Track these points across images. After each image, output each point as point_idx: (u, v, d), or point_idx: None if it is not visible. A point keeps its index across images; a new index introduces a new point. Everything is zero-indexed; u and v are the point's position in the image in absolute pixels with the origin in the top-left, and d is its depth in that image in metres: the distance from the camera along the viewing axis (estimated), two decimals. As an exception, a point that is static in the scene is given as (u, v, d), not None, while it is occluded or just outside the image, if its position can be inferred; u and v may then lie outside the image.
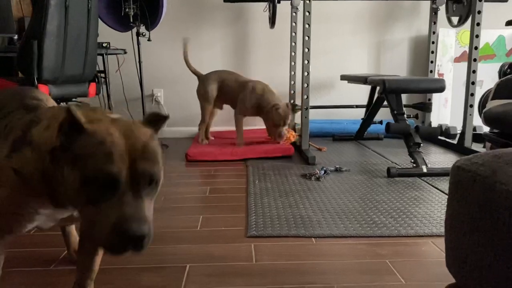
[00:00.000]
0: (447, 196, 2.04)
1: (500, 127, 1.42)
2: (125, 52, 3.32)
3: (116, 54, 3.32)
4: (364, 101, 3.65)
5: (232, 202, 1.99)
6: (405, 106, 3.40)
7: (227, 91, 3.17)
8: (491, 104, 1.63)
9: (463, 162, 0.60)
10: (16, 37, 2.93)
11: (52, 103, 1.09)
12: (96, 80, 2.57)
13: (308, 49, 2.80)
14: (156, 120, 0.79)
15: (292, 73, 3.62)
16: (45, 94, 1.11)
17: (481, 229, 0.52)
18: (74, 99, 2.52)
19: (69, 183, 0.71)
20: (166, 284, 1.23)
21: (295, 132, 3.34)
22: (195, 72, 3.32)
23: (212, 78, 3.21)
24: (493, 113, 1.41)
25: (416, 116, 3.53)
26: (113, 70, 3.60)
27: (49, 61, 2.11)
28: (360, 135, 3.50)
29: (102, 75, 3.13)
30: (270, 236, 1.58)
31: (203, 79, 3.25)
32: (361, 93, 3.82)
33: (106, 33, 3.46)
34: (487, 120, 1.50)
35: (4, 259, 0.91)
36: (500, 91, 1.66)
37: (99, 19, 3.03)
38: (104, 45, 3.14)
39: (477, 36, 2.84)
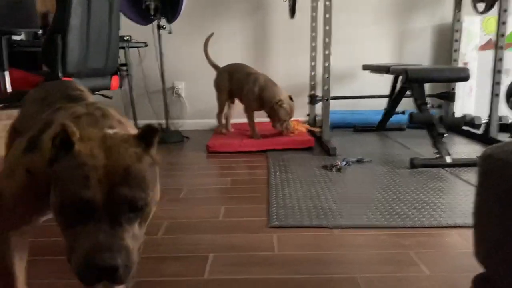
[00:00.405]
0: (471, 187, 2.01)
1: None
2: (146, 45, 3.35)
3: (137, 47, 3.35)
4: (386, 91, 3.59)
5: (253, 193, 2.00)
6: (429, 96, 3.34)
7: (235, 84, 3.18)
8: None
9: (494, 150, 0.59)
10: (40, 31, 2.98)
11: (90, 95, 1.11)
12: (118, 73, 2.60)
13: (329, 39, 2.78)
14: (149, 133, 0.73)
15: (313, 63, 3.59)
16: (84, 87, 1.13)
17: (510, 219, 0.51)
18: (97, 92, 2.56)
19: (52, 202, 0.69)
20: (189, 273, 1.25)
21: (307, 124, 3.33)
22: (213, 65, 3.36)
23: (225, 70, 3.26)
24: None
25: (440, 106, 3.47)
26: (135, 63, 3.64)
27: (72, 55, 2.15)
28: (382, 126, 3.46)
29: (124, 68, 3.17)
30: (292, 227, 1.59)
31: (219, 71, 3.31)
32: (383, 83, 3.76)
33: (127, 27, 3.49)
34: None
35: (30, 248, 0.94)
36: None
37: (121, 13, 3.06)
38: (125, 38, 3.17)
39: (503, 23, 2.76)
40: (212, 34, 3.36)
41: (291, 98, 3.00)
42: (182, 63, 3.79)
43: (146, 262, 1.32)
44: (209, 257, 1.35)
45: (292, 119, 3.08)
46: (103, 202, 0.64)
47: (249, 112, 3.10)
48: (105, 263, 0.61)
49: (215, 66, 3.35)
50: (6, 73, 2.12)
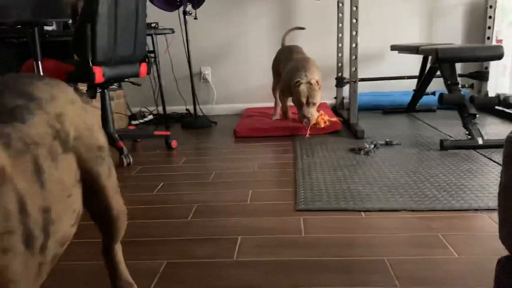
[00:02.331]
0: (504, 169, 1.96)
1: None
2: (173, 32, 3.38)
3: (164, 34, 3.38)
4: (416, 72, 3.51)
5: (280, 177, 2.01)
6: (460, 75, 3.25)
7: (281, 66, 3.09)
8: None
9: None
10: (70, 21, 3.05)
11: None
12: (146, 60, 2.64)
13: (356, 20, 2.73)
14: None
15: (340, 45, 3.54)
16: None
17: (537, 200, 0.50)
18: (126, 80, 2.61)
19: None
20: (219, 255, 1.28)
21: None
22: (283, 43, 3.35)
23: (279, 51, 3.24)
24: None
25: (472, 86, 3.37)
26: (162, 49, 3.68)
27: (102, 43, 2.19)
28: (412, 107, 3.40)
29: (152, 55, 3.21)
30: (319, 210, 1.60)
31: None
32: (412, 64, 3.68)
33: (154, 14, 3.52)
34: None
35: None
36: None
37: (147, 0, 3.09)
38: (152, 25, 3.20)
39: (540, -3, 2.63)
40: (299, 28, 3.37)
41: (312, 83, 2.71)
42: (209, 48, 3.81)
43: (177, 244, 1.36)
44: (238, 239, 1.38)
45: (317, 106, 2.80)
46: None
47: (282, 98, 3.04)
48: None
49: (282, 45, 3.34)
50: (40, 63, 2.19)
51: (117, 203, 0.92)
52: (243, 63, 3.82)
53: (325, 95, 3.63)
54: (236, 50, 3.79)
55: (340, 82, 3.46)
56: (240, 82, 3.84)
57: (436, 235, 1.34)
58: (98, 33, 2.16)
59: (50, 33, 2.80)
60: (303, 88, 2.72)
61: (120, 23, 2.28)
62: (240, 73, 3.83)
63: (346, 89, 3.35)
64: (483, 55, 2.33)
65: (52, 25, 3.00)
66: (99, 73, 2.22)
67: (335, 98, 3.69)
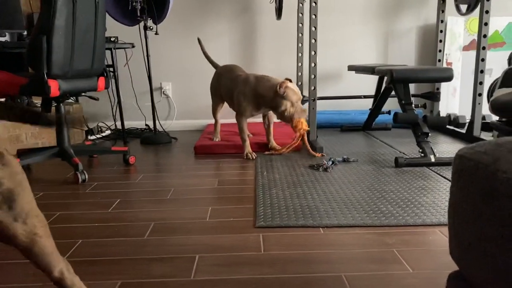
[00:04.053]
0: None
1: (506, 115, 1.41)
2: (133, 46, 3.35)
3: (124, 48, 3.34)
4: (372, 91, 3.63)
5: (240, 193, 2.01)
6: (413, 95, 3.39)
7: (222, 87, 2.91)
8: (499, 92, 1.62)
9: (466, 150, 0.61)
10: (25, 33, 2.96)
11: None
12: (105, 74, 2.59)
13: (315, 40, 2.80)
14: None
15: (299, 64, 3.61)
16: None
17: (484, 217, 0.53)
18: (83, 94, 2.54)
19: None
20: (176, 274, 1.26)
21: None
22: (214, 65, 3.16)
23: (217, 72, 3.06)
24: (500, 101, 1.41)
25: (424, 106, 3.51)
26: (122, 64, 3.63)
27: (58, 56, 2.13)
28: (368, 126, 3.50)
29: (111, 69, 3.16)
30: (278, 227, 1.60)
31: (215, 73, 3.09)
32: (368, 83, 3.81)
33: (114, 28, 3.48)
34: (494, 108, 1.50)
35: None
36: (507, 79, 1.65)
37: (107, 14, 3.05)
38: (112, 39, 3.16)
39: (486, 24, 2.81)
40: (199, 39, 3.24)
41: (291, 80, 2.65)
42: (170, 64, 3.79)
43: (132, 263, 1.33)
44: (196, 258, 1.36)
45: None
46: None
47: (240, 120, 2.73)
48: None
49: (215, 67, 3.15)
50: (-10, 75, 2.10)
51: (25, 228, 0.85)
52: (205, 79, 3.82)
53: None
54: (198, 67, 3.79)
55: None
56: (202, 98, 3.83)
57: (392, 250, 1.37)
58: (54, 46, 2.10)
59: (4, 44, 2.70)
60: (291, 85, 2.58)
61: (78, 36, 2.24)
62: (202, 89, 3.83)
63: (305, 107, 3.42)
64: (434, 76, 2.44)
65: (5, 36, 2.90)
66: (54, 87, 2.15)
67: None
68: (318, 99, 2.98)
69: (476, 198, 0.55)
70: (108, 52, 3.14)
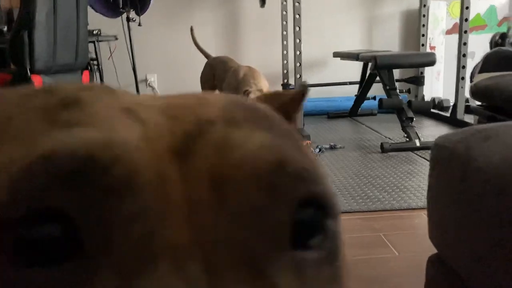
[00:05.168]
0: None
1: (486, 100, 1.45)
2: (116, 39, 3.32)
3: (107, 40, 3.31)
4: (358, 77, 3.66)
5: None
6: (398, 80, 3.42)
7: (217, 80, 2.87)
8: (479, 77, 1.66)
9: (442, 139, 0.64)
10: (5, 28, 2.91)
11: None
12: (89, 68, 2.57)
13: (299, 28, 2.81)
14: None
15: (285, 52, 3.62)
16: None
17: (459, 203, 0.56)
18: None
19: None
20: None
21: None
22: (205, 55, 3.09)
23: (209, 63, 2.99)
24: (479, 86, 1.45)
25: (409, 91, 3.55)
26: (106, 57, 3.60)
27: (40, 51, 2.11)
28: (354, 112, 3.53)
29: (95, 62, 3.13)
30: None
31: (206, 63, 3.01)
32: (354, 69, 3.82)
33: (96, 20, 3.44)
34: (473, 93, 1.54)
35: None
36: (487, 64, 1.69)
37: (89, 6, 3.01)
38: (95, 32, 3.13)
39: (467, 7, 2.84)
40: (192, 28, 3.12)
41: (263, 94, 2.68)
42: (154, 55, 3.77)
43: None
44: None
45: None
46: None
47: None
48: None
49: (207, 57, 3.08)
50: (-28, 72, 2.08)
51: None
52: (190, 70, 3.80)
53: (272, 101, 3.68)
54: (183, 57, 3.77)
55: (285, 88, 3.53)
56: (188, 89, 3.80)
57: (379, 235, 1.41)
58: (36, 41, 2.08)
59: (-17, 40, 2.66)
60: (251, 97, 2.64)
61: (60, 30, 2.21)
62: (187, 80, 3.82)
63: (292, 95, 3.43)
64: (417, 61, 2.47)
65: (-15, 32, 2.85)
66: (38, 82, 2.13)
67: (281, 103, 3.76)
68: (304, 87, 2.99)
69: (450, 185, 0.57)
70: (91, 46, 3.11)
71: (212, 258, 0.15)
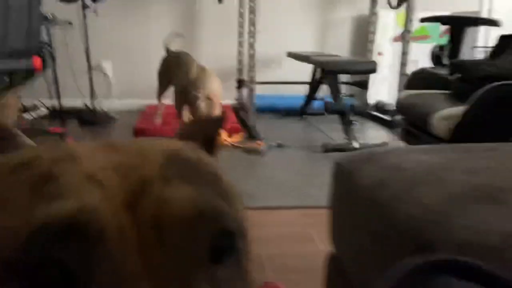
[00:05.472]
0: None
1: (405, 115, 1.60)
2: (70, 23, 3.28)
3: (61, 25, 3.27)
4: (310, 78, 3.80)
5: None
6: (346, 83, 3.60)
7: (171, 75, 2.83)
8: (404, 93, 1.83)
9: (341, 159, 0.76)
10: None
11: None
12: (41, 53, 2.55)
13: (254, 28, 2.90)
14: None
15: (240, 48, 3.70)
16: None
17: (345, 211, 0.68)
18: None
19: None
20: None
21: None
22: (167, 52, 3.07)
23: (164, 57, 3.00)
24: (402, 103, 1.60)
25: (352, 95, 3.74)
26: (59, 43, 3.54)
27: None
28: (304, 111, 3.68)
29: (48, 48, 3.10)
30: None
31: (163, 58, 3.01)
32: (307, 70, 3.96)
33: (50, 4, 3.38)
34: (397, 108, 1.70)
35: None
36: (412, 81, 1.85)
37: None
38: (48, 17, 3.08)
39: (410, 20, 3.04)
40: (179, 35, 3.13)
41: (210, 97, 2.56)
42: (109, 42, 3.75)
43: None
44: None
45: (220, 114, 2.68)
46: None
47: (177, 109, 2.66)
48: None
49: (167, 52, 3.06)
50: None
51: None
52: (145, 58, 3.82)
53: (226, 95, 3.77)
54: (138, 46, 3.78)
55: (240, 84, 3.63)
56: (142, 78, 3.83)
57: (308, 231, 1.55)
58: (-14, 25, 2.06)
59: None
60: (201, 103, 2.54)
61: (12, 13, 2.19)
62: (142, 70, 3.83)
63: (245, 93, 3.53)
64: (360, 69, 2.64)
65: None
66: (-14, 67, 2.11)
67: (236, 99, 3.85)
68: (257, 84, 3.10)
69: (341, 196, 0.70)
70: (44, 31, 3.07)
71: (157, 278, 0.24)
